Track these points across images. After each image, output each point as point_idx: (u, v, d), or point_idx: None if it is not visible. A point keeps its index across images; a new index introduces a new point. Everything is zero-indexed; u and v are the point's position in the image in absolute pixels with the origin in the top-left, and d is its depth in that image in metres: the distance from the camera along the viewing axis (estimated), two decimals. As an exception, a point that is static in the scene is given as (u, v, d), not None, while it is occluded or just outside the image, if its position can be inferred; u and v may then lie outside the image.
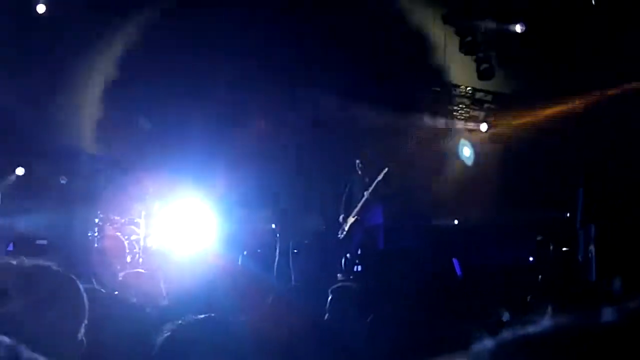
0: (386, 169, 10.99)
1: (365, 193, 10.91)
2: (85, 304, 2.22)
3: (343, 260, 10.94)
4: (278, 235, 11.66)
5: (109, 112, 14.21)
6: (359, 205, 10.99)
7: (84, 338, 2.16)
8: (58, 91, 13.73)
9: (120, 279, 5.17)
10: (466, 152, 13.05)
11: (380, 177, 10.89)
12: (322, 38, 13.22)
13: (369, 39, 13.33)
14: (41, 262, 2.23)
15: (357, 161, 11.26)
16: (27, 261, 2.22)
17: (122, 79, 14.23)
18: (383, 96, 13.35)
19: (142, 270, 5.36)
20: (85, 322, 2.19)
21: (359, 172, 11.20)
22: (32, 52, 12.92)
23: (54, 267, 2.23)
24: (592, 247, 8.27)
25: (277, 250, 10.35)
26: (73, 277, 2.25)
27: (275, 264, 9.92)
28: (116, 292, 4.63)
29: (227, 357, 1.99)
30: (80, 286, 2.24)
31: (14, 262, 2.21)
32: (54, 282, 2.18)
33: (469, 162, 13.01)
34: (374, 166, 11.19)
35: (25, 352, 1.15)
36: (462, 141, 13.07)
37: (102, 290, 4.59)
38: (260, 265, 9.80)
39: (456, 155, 13.12)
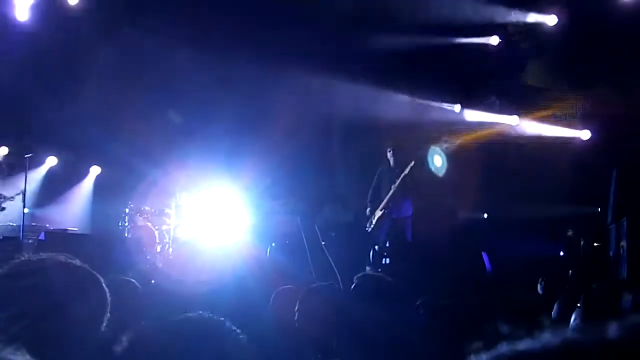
0: (412, 162, 10.91)
1: (392, 185, 10.85)
2: (107, 297, 2.26)
3: (371, 253, 10.92)
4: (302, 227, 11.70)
5: (140, 105, 14.33)
6: (387, 197, 10.94)
7: (106, 329, 2.21)
8: (90, 83, 13.87)
9: (160, 265, 5.20)
10: (437, 161, 12.61)
11: (407, 171, 10.82)
12: (347, 24, 13.19)
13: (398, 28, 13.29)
14: (63, 258, 2.27)
15: (389, 150, 11.19)
16: (50, 256, 2.26)
17: (153, 73, 14.34)
18: (415, 87, 13.31)
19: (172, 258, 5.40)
20: (108, 315, 2.24)
21: (390, 162, 11.12)
22: (64, 44, 13.06)
23: (77, 264, 2.27)
24: (623, 243, 8.18)
25: (305, 243, 10.35)
26: (94, 272, 2.29)
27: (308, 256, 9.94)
28: (152, 281, 4.68)
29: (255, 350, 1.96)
30: (102, 280, 2.29)
31: (42, 257, 2.25)
32: (76, 277, 2.23)
33: (440, 173, 12.58)
34: (405, 157, 11.09)
35: None
36: (432, 149, 12.57)
37: (137, 283, 4.65)
38: (288, 257, 9.82)
39: (427, 163, 12.67)
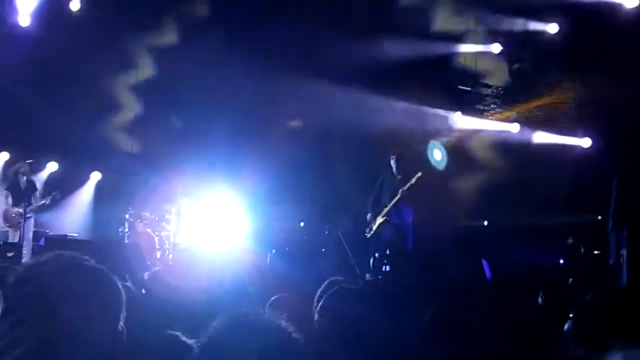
0: (419, 173, 10.82)
1: (398, 193, 10.77)
2: (122, 295, 2.23)
3: (371, 260, 10.90)
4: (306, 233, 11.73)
5: (140, 110, 14.36)
6: (390, 205, 10.89)
7: (123, 328, 2.18)
8: (92, 89, 13.89)
9: (146, 278, 5.11)
10: (437, 155, 12.68)
11: (413, 181, 10.75)
12: (350, 36, 13.23)
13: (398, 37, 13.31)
14: (74, 256, 2.24)
15: (392, 157, 11.15)
16: (61, 256, 2.23)
17: (154, 78, 14.37)
18: (415, 95, 13.31)
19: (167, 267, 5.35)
20: (124, 314, 2.20)
21: (393, 169, 11.07)
22: (65, 50, 13.08)
23: (87, 262, 2.24)
24: (623, 251, 8.17)
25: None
26: (107, 271, 2.26)
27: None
28: (143, 291, 4.65)
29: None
30: (116, 279, 2.25)
31: (47, 257, 2.22)
32: (89, 275, 2.20)
33: (441, 166, 12.65)
34: (409, 165, 11.05)
35: None
36: (432, 143, 12.68)
37: (133, 287, 4.64)
38: (288, 264, 9.83)
39: (427, 158, 12.77)
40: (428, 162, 12.30)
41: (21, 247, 10.99)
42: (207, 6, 14.21)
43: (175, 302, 4.01)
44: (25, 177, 11.89)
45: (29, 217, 11.77)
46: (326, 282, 4.11)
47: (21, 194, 11.76)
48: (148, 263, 9.98)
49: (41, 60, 12.87)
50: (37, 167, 12.99)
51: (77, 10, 13.27)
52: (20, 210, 11.55)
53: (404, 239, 10.99)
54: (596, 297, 3.54)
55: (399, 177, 10.92)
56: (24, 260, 10.36)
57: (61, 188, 12.71)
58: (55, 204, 12.38)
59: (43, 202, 11.84)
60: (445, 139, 12.87)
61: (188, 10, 14.29)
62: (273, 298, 4.34)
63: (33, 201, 11.82)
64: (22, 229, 11.46)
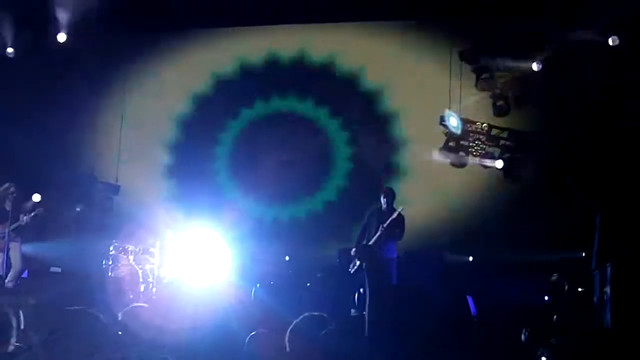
0: (401, 208, 10.86)
1: (380, 228, 10.79)
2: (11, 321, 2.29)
3: (356, 295, 10.87)
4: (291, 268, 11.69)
5: (125, 143, 14.34)
6: (372, 240, 10.87)
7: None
8: (74, 121, 13.89)
9: (120, 318, 5.01)
10: (453, 122, 12.82)
11: (394, 216, 10.77)
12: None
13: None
14: None
15: (382, 193, 11.18)
16: None
17: (136, 112, 14.39)
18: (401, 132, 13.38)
19: (146, 305, 5.28)
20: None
21: (382, 205, 11.07)
22: (47, 82, 13.12)
23: None
24: (607, 289, 8.16)
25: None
26: None
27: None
28: (120, 332, 4.59)
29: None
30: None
31: None
32: None
33: (457, 132, 12.79)
34: (396, 201, 11.08)
35: None
36: (448, 112, 12.85)
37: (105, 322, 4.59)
38: (273, 298, 9.78)
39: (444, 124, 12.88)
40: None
41: (4, 276, 10.87)
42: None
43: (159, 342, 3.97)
44: (12, 200, 11.68)
45: (15, 239, 11.58)
46: (300, 317, 4.10)
47: (6, 214, 11.57)
48: (131, 296, 9.91)
49: (24, 92, 12.88)
50: (21, 200, 12.87)
51: (63, 42, 13.30)
52: (5, 229, 11.40)
53: (388, 274, 10.95)
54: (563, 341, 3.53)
55: (386, 213, 10.92)
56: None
57: (44, 220, 12.58)
58: (40, 221, 12.22)
59: (28, 216, 11.64)
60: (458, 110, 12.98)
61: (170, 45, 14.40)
62: (251, 334, 4.31)
63: (19, 221, 11.63)
64: (5, 251, 11.28)
